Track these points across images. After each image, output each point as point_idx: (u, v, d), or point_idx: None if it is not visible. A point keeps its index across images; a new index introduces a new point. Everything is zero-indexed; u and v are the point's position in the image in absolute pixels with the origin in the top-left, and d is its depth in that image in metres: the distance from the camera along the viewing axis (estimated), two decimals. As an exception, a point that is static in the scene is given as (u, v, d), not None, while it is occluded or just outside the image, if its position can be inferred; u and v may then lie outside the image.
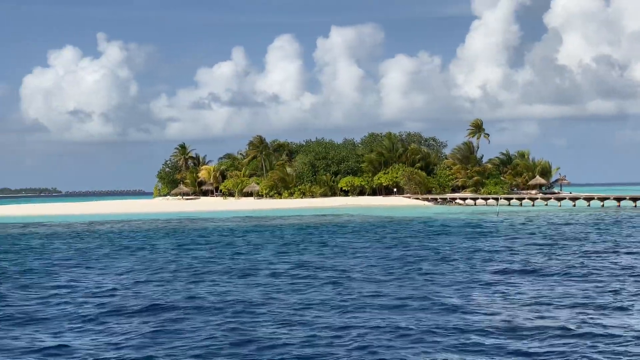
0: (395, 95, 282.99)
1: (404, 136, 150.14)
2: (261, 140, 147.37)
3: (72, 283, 25.91)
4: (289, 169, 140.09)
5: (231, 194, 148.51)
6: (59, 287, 25.01)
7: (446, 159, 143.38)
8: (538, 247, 37.47)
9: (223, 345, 15.79)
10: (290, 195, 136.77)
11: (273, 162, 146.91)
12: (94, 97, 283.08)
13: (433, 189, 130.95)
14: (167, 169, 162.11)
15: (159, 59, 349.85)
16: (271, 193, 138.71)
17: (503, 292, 22.25)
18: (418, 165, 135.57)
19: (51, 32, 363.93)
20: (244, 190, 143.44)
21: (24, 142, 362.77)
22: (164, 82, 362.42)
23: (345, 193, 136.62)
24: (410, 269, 28.18)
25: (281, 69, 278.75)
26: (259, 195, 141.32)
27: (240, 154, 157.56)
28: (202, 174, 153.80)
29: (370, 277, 25.96)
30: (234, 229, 57.47)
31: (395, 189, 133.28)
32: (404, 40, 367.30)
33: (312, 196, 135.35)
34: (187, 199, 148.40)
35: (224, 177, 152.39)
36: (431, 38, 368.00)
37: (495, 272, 27.12)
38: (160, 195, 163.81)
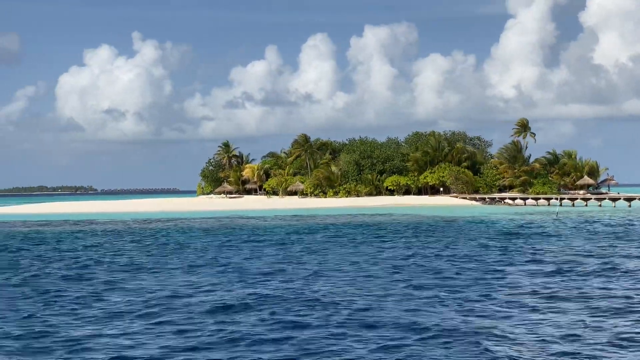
0: (429, 94, 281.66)
1: (448, 135, 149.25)
2: (306, 138, 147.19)
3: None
4: (333, 168, 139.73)
5: (275, 193, 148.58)
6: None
7: (491, 158, 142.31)
8: None
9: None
10: (335, 194, 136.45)
11: (317, 161, 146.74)
12: (129, 96, 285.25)
13: (480, 188, 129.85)
14: (211, 168, 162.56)
15: (193, 58, 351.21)
16: (316, 192, 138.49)
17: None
18: (464, 164, 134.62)
19: (87, 32, 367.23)
20: (289, 189, 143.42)
21: (59, 141, 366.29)
22: (198, 81, 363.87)
23: (391, 192, 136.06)
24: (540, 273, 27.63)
25: (315, 68, 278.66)
26: (303, 194, 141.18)
27: (284, 152, 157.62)
28: (246, 173, 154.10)
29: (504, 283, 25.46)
30: (311, 227, 57.21)
31: (441, 189, 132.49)
32: (438, 40, 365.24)
33: (357, 195, 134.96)
34: (231, 197, 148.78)
35: (267, 175, 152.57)
36: (465, 37, 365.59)
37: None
38: (203, 194, 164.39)
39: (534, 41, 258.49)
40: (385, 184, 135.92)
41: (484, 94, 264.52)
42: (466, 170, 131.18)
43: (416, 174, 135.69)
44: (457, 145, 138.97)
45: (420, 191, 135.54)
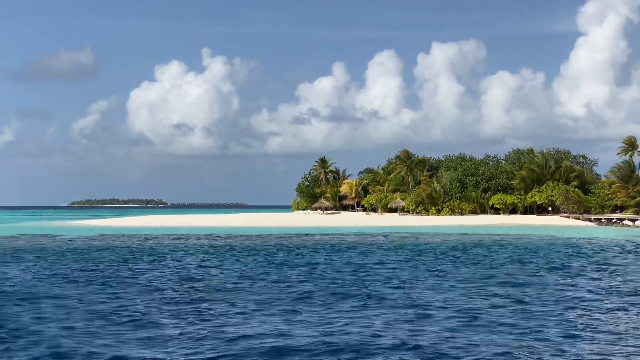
0: (497, 112, 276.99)
1: (552, 152, 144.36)
2: (408, 154, 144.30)
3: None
4: (436, 185, 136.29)
5: (373, 209, 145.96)
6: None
7: (598, 177, 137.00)
8: None
9: None
10: (438, 211, 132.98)
11: (417, 177, 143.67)
12: (197, 110, 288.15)
13: (592, 208, 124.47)
14: (307, 183, 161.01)
15: (261, 73, 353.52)
16: (418, 209, 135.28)
17: None
18: (573, 183, 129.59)
19: (158, 48, 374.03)
20: (389, 206, 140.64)
21: (129, 154, 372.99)
22: (266, 96, 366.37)
23: (496, 211, 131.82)
24: None
25: (381, 84, 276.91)
26: (404, 211, 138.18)
27: (381, 168, 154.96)
28: (344, 188, 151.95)
29: None
30: (448, 245, 54.45)
31: (550, 208, 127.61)
32: (506, 57, 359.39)
33: (461, 213, 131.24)
34: (328, 214, 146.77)
35: (365, 191, 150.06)
36: (534, 54, 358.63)
37: None
38: (299, 209, 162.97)
39: (605, 59, 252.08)
40: (490, 202, 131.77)
41: (553, 112, 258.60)
42: (576, 189, 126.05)
43: (522, 192, 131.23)
44: (564, 164, 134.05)
45: (526, 210, 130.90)
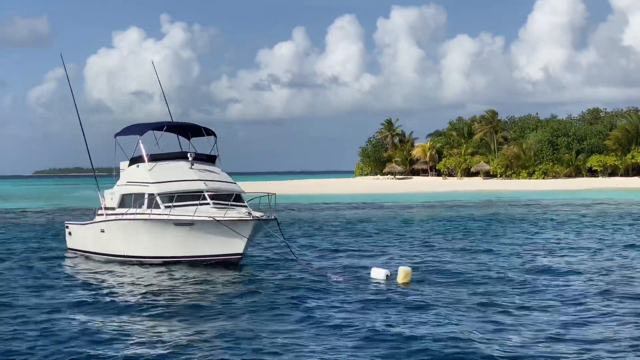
0: (456, 76, 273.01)
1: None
2: (494, 115, 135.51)
3: None
4: (524, 146, 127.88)
5: (450, 174, 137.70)
6: None
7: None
8: None
9: None
10: (529, 175, 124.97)
11: (497, 140, 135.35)
12: (156, 78, 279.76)
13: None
14: (370, 147, 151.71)
15: (221, 40, 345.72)
16: (508, 172, 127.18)
17: None
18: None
19: (116, 14, 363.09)
20: (472, 170, 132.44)
21: (88, 123, 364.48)
22: (226, 63, 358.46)
23: (593, 173, 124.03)
24: None
25: (341, 49, 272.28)
26: (489, 175, 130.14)
27: (454, 129, 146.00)
28: (417, 152, 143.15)
29: None
30: None
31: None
32: (466, 21, 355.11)
33: (554, 177, 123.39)
34: (399, 179, 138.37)
35: (439, 155, 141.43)
36: (493, 18, 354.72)
37: None
38: (362, 175, 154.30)
39: (563, 22, 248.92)
40: (588, 164, 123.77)
41: (512, 76, 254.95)
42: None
43: (619, 153, 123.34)
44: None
45: (626, 173, 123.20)
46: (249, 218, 24.24)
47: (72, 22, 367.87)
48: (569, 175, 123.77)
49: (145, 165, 27.63)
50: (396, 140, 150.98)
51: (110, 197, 28.73)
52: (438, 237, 36.90)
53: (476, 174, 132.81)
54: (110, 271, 25.43)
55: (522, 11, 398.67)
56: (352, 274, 23.73)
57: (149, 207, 26.29)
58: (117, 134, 30.15)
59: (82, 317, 17.53)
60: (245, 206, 26.56)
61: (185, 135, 30.48)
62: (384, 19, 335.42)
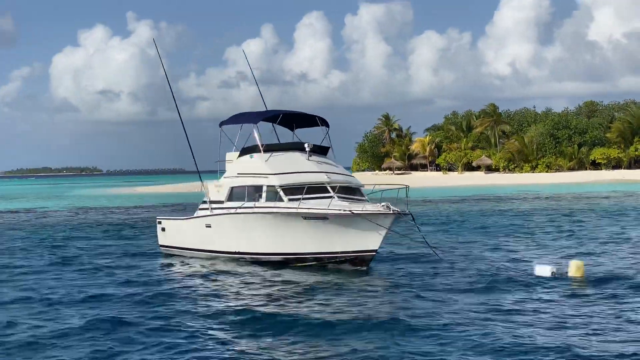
0: (424, 72, 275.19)
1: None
2: (495, 109, 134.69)
3: None
4: (526, 140, 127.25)
5: (450, 169, 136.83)
6: None
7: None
8: None
9: None
10: (533, 168, 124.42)
11: (497, 134, 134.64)
12: (123, 76, 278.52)
13: None
14: (368, 142, 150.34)
15: (188, 37, 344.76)
16: (511, 166, 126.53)
17: None
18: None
19: (82, 12, 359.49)
20: (473, 164, 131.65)
21: (54, 122, 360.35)
22: (193, 61, 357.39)
23: (596, 166, 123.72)
24: None
25: (310, 46, 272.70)
26: (489, 169, 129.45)
27: (451, 123, 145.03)
28: (416, 147, 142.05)
29: None
30: None
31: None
32: (433, 17, 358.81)
33: (558, 170, 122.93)
34: (398, 174, 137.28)
35: (438, 149, 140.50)
36: (460, 15, 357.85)
37: None
38: (359, 170, 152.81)
39: (529, 18, 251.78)
40: (591, 157, 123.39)
41: (480, 72, 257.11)
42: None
43: (622, 146, 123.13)
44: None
45: (629, 165, 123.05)
46: (390, 212, 22.69)
47: (37, 20, 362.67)
48: (571, 169, 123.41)
49: (262, 156, 25.96)
50: (393, 135, 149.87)
51: (217, 189, 26.98)
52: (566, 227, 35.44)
53: (477, 168, 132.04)
54: (226, 271, 23.69)
55: (489, 7, 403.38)
56: (510, 270, 22.26)
57: (268, 200, 24.66)
58: (222, 123, 28.44)
59: (196, 325, 15.77)
60: (367, 200, 25.12)
61: (291, 126, 28.88)
62: (351, 16, 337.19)
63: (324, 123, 28.10)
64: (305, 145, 26.24)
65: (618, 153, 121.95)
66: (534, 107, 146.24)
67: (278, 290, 20.08)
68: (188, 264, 25.74)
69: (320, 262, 24.05)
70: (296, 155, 26.09)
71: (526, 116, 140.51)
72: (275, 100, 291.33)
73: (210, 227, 26.56)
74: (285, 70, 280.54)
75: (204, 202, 27.50)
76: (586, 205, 54.37)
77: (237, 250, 25.73)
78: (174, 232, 28.65)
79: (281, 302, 18.17)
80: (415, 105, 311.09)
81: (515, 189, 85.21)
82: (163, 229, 29.18)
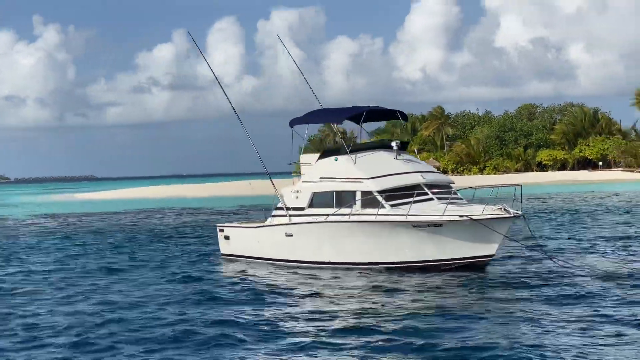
0: (337, 77, 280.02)
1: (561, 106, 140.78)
2: (442, 111, 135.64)
3: None
4: (473, 142, 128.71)
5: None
6: None
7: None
8: None
9: None
10: (480, 170, 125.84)
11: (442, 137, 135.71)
12: (30, 81, 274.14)
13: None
14: (312, 147, 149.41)
15: (97, 42, 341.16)
16: (460, 169, 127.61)
17: None
18: (617, 137, 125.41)
19: None
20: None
21: None
22: (103, 66, 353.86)
23: (542, 168, 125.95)
24: None
25: (222, 51, 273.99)
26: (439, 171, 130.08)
27: (397, 126, 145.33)
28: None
29: None
30: None
31: (600, 163, 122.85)
32: (345, 23, 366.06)
33: (505, 171, 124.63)
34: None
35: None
36: (372, 20, 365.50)
37: None
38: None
39: (438, 24, 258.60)
40: (538, 158, 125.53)
41: (391, 77, 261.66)
42: (637, 142, 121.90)
43: (566, 147, 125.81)
44: (602, 116, 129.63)
45: (574, 166, 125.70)
46: (508, 215, 21.60)
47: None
48: (518, 170, 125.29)
49: (349, 158, 24.37)
50: (338, 138, 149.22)
51: (295, 195, 25.27)
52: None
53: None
54: (324, 281, 22.07)
55: (400, 13, 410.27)
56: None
57: (365, 206, 23.16)
58: (294, 122, 26.74)
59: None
60: (462, 198, 24.04)
61: (359, 120, 27.24)
62: (264, 21, 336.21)
63: (404, 117, 26.94)
64: (393, 143, 24.94)
65: (564, 154, 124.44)
66: (477, 110, 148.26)
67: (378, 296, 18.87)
68: (265, 272, 24.13)
69: (427, 271, 22.77)
70: (383, 155, 24.69)
71: (468, 119, 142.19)
72: (189, 105, 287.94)
73: (291, 235, 24.89)
74: (198, 76, 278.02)
75: (278, 208, 25.83)
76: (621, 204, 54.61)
77: (326, 260, 24.12)
78: (241, 240, 26.85)
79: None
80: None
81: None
82: (226, 237, 27.36)
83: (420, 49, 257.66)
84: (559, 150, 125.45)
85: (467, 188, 25.18)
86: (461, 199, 23.91)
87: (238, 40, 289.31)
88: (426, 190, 23.18)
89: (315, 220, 24.18)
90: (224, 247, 27.46)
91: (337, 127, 34.83)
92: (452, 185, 24.63)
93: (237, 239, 26.98)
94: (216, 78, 29.39)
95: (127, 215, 59.05)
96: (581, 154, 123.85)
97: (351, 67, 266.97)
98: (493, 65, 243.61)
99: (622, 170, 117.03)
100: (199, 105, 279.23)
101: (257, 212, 37.35)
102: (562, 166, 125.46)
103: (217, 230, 27.97)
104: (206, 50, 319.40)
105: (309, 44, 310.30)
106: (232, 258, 27.03)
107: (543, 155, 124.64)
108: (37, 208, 78.76)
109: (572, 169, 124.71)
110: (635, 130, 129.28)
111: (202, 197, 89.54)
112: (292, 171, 70.94)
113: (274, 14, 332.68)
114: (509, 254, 25.39)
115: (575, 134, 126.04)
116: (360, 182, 23.54)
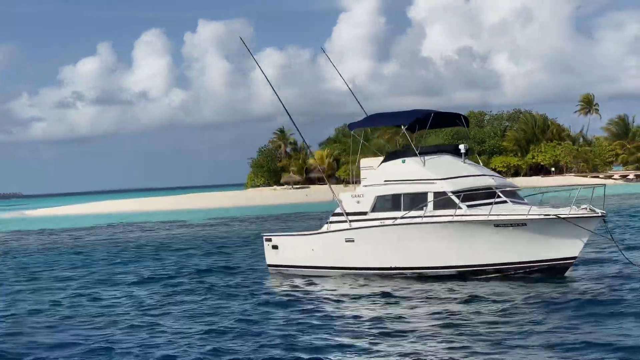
0: (266, 89, 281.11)
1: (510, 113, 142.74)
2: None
3: None
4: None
5: (348, 181, 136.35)
6: None
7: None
8: None
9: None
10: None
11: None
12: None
13: (598, 166, 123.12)
14: (262, 157, 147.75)
15: (19, 56, 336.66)
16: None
17: None
18: (567, 143, 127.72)
19: None
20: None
21: None
22: (26, 80, 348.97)
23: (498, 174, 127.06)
24: None
25: (149, 64, 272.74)
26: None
27: (345, 135, 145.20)
28: (313, 160, 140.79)
29: None
30: None
31: (552, 169, 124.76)
32: (273, 34, 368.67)
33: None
34: (297, 188, 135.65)
35: (337, 162, 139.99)
36: (300, 32, 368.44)
37: None
38: (254, 187, 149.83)
39: (366, 35, 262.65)
40: (492, 165, 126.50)
41: (320, 88, 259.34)
42: (585, 147, 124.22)
43: (518, 154, 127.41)
44: (552, 123, 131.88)
45: (527, 172, 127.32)
46: (596, 214, 20.93)
47: None
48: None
49: (418, 160, 23.57)
50: (289, 149, 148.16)
51: (356, 200, 24.21)
52: None
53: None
54: (391, 287, 21.06)
55: (327, 24, 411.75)
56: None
57: (437, 208, 22.28)
58: (354, 125, 25.75)
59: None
60: (528, 202, 23.37)
61: (425, 123, 26.19)
62: (191, 34, 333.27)
63: (467, 122, 26.20)
64: (462, 147, 24.19)
65: (517, 161, 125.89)
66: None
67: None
68: (317, 283, 23.02)
69: (503, 274, 21.95)
70: (451, 159, 23.98)
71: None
72: (116, 119, 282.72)
73: (352, 241, 23.78)
74: (125, 89, 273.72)
75: (336, 214, 24.69)
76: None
77: (392, 266, 23.13)
78: (291, 250, 25.57)
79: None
80: (258, 123, 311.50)
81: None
82: (274, 247, 26.01)
83: (349, 60, 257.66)
84: (511, 156, 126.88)
85: (531, 189, 24.33)
86: (528, 204, 23.20)
87: (165, 53, 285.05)
88: (498, 192, 22.47)
89: (381, 224, 23.19)
90: (272, 258, 26.11)
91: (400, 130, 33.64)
92: (518, 190, 23.95)
93: (284, 248, 25.70)
94: (269, 82, 28.30)
95: (112, 229, 57.08)
96: (534, 160, 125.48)
97: (280, 79, 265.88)
98: (420, 75, 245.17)
99: (574, 176, 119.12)
100: (126, 119, 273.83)
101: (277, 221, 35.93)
102: (516, 172, 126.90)
103: (264, 240, 26.61)
104: (132, 63, 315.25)
105: (237, 56, 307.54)
106: (281, 269, 25.74)
107: (497, 162, 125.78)
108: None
109: (525, 175, 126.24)
110: (583, 136, 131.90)
111: (175, 210, 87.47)
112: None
113: (200, 26, 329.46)
114: (586, 258, 24.86)
115: (527, 140, 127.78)
116: (432, 183, 22.70)
